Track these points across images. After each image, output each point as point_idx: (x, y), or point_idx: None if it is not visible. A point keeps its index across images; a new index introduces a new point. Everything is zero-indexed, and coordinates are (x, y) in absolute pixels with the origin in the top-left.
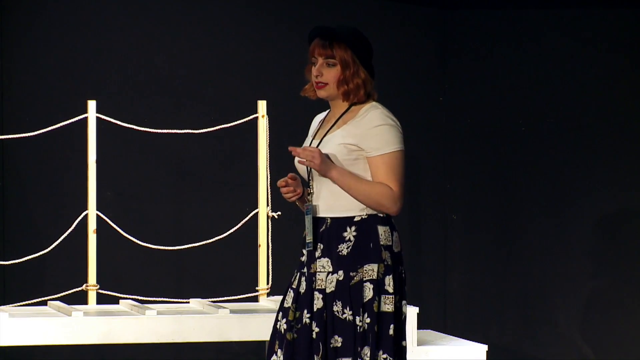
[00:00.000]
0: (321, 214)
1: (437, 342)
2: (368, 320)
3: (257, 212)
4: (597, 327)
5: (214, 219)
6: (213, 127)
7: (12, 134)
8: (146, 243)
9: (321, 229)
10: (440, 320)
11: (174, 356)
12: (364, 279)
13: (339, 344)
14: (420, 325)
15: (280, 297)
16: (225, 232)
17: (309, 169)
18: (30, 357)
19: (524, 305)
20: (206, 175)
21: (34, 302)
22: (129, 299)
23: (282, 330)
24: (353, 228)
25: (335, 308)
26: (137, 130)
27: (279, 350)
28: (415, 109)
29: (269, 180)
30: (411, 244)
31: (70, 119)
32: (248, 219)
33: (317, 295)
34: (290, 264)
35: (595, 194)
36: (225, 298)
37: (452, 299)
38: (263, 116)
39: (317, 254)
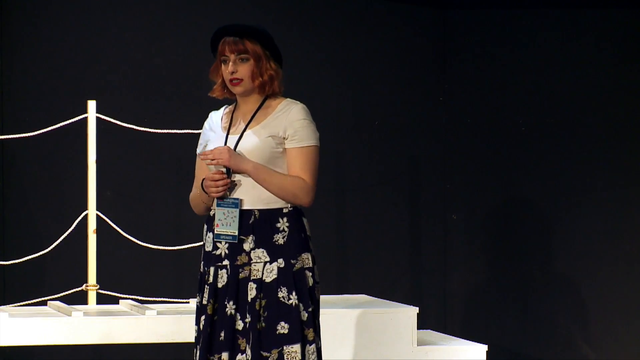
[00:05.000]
0: (246, 206)
1: (437, 342)
2: (310, 308)
3: None
4: (597, 327)
5: None
6: None
7: (12, 134)
8: (146, 243)
9: (250, 221)
10: (440, 320)
11: (173, 356)
12: (304, 267)
13: (286, 331)
14: (420, 325)
15: None
16: None
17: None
18: (30, 357)
19: (524, 305)
20: None
21: (34, 302)
22: (129, 299)
23: (201, 328)
24: (285, 219)
25: (280, 294)
26: (137, 130)
27: (198, 347)
28: (415, 109)
29: None
30: (411, 244)
31: (70, 119)
32: None
33: (250, 285)
34: None
35: (595, 193)
36: None
37: (452, 299)
38: None
39: (249, 246)
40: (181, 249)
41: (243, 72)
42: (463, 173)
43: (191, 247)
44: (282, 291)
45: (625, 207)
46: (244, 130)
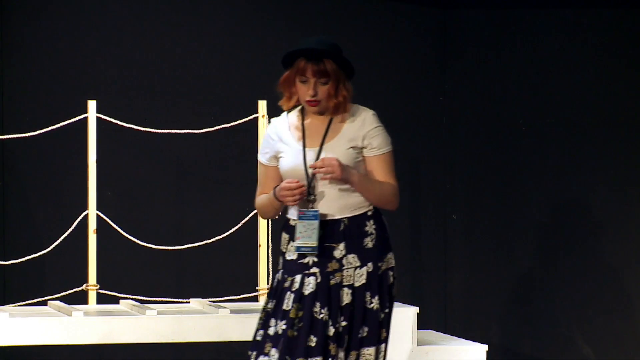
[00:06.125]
0: (335, 216)
1: (437, 342)
2: (387, 309)
3: (257, 212)
4: (597, 327)
5: (214, 219)
6: (213, 127)
7: (12, 134)
8: (146, 243)
9: (340, 229)
10: (441, 320)
11: (174, 356)
12: (388, 267)
13: (365, 334)
14: (420, 325)
15: None
16: (225, 232)
17: (309, 175)
18: (30, 357)
19: (524, 305)
20: (206, 175)
21: (34, 302)
22: (129, 298)
23: (280, 332)
24: (371, 221)
25: (365, 299)
26: (137, 130)
27: (273, 350)
28: (415, 109)
29: None
30: (411, 244)
31: (70, 119)
32: (248, 219)
33: (346, 291)
34: None
35: (595, 193)
36: (225, 298)
37: (452, 299)
38: (263, 116)
39: (340, 252)
40: (181, 249)
41: (322, 95)
42: (463, 173)
43: (191, 247)
44: (367, 296)
45: (626, 206)
46: (323, 141)
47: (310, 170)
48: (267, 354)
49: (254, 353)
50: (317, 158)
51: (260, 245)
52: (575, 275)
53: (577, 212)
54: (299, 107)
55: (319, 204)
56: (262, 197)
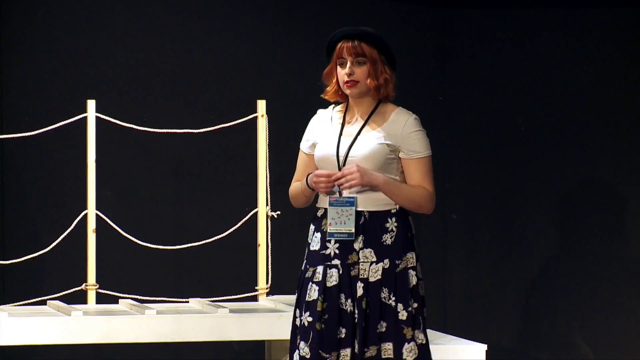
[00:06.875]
0: (358, 207)
1: (437, 342)
2: (415, 305)
3: (256, 212)
4: (597, 327)
5: (213, 219)
6: (213, 126)
7: (12, 134)
8: (146, 243)
9: (360, 222)
10: (440, 320)
11: (173, 356)
12: (408, 266)
13: (384, 329)
14: None
15: (282, 297)
16: (225, 231)
17: (340, 163)
18: (29, 357)
19: (524, 305)
20: (206, 174)
21: (34, 302)
22: (129, 298)
23: (306, 324)
24: (393, 219)
25: (382, 295)
26: (137, 129)
27: (302, 343)
28: (415, 109)
29: (268, 179)
30: None
31: (69, 118)
32: (247, 219)
33: (359, 284)
34: (290, 264)
35: (595, 194)
36: (225, 297)
37: (452, 299)
38: (262, 115)
39: (358, 245)
40: (181, 249)
41: (359, 75)
42: (462, 172)
43: (191, 246)
44: (384, 292)
45: (626, 206)
46: (359, 133)
47: (342, 159)
48: (297, 347)
49: (293, 345)
50: (351, 147)
51: (259, 245)
52: (574, 275)
53: (576, 212)
54: (345, 103)
55: (345, 194)
56: (295, 185)
